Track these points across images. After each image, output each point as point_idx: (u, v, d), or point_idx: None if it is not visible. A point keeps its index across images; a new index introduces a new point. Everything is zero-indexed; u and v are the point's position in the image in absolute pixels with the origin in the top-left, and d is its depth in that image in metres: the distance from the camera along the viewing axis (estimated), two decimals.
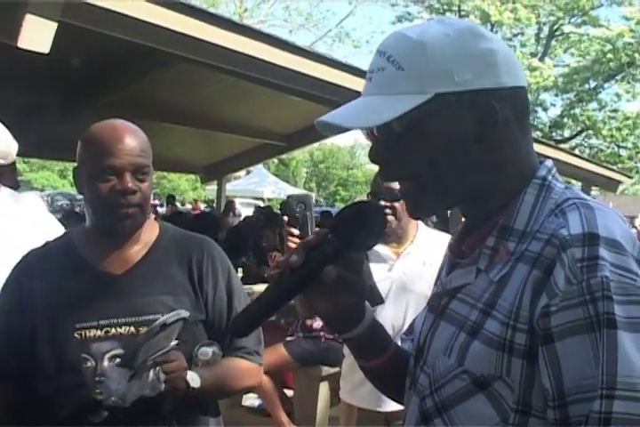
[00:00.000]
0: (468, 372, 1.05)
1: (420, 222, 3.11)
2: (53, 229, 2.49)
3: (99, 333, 1.82)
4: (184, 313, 1.83)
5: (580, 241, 0.97)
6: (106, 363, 1.80)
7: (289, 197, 2.18)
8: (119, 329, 1.83)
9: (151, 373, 1.74)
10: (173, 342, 1.80)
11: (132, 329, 1.84)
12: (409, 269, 3.03)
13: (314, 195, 32.23)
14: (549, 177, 1.14)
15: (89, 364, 1.80)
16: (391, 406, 2.93)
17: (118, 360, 1.81)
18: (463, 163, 1.11)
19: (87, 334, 1.82)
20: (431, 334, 1.19)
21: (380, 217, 1.19)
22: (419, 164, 1.12)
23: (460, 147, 1.10)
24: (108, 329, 1.83)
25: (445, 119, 1.09)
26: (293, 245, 2.16)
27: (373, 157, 1.17)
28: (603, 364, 0.91)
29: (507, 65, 1.11)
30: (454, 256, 1.23)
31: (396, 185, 3.00)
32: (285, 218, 2.16)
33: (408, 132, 1.10)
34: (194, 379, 1.80)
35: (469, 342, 1.06)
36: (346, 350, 3.17)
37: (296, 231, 2.15)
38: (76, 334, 1.81)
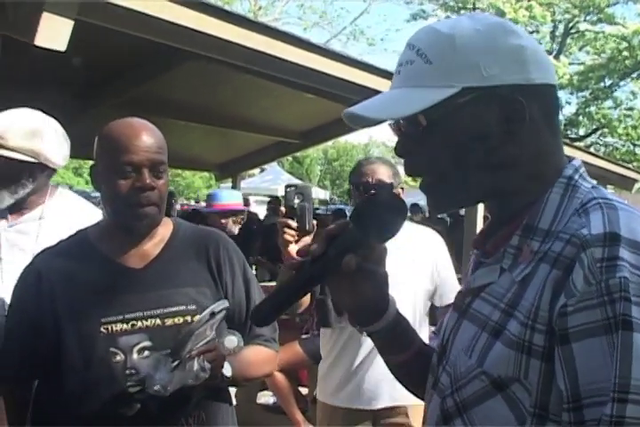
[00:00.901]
0: (487, 373, 1.04)
1: None
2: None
3: (125, 326, 1.85)
4: (226, 303, 1.86)
5: (601, 241, 0.95)
6: (135, 356, 1.83)
7: (287, 186, 2.16)
8: (145, 322, 1.86)
9: (195, 362, 1.75)
10: (214, 332, 1.82)
11: (158, 321, 1.87)
12: (397, 264, 2.92)
13: (328, 192, 32.18)
14: (576, 176, 1.12)
15: (118, 358, 1.83)
16: (380, 403, 2.92)
17: (147, 353, 1.83)
18: (488, 159, 1.10)
19: (114, 328, 1.84)
20: (454, 333, 1.19)
21: (400, 207, 1.17)
22: (443, 158, 1.11)
23: (486, 142, 1.09)
24: (135, 322, 1.86)
25: (472, 114, 1.09)
26: (289, 238, 2.16)
27: (399, 150, 1.17)
28: (616, 366, 0.89)
29: (536, 62, 1.10)
30: (479, 254, 1.22)
31: (385, 177, 2.92)
32: (283, 209, 2.15)
33: (434, 125, 1.10)
34: (227, 368, 1.83)
35: (491, 342, 1.05)
36: (323, 350, 3.14)
37: (293, 223, 2.14)
38: (102, 329, 1.84)
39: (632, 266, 0.93)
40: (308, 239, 2.25)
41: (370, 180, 2.84)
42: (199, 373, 1.75)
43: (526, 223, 1.10)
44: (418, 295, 2.88)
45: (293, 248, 2.19)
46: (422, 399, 1.32)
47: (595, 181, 1.14)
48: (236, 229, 5.49)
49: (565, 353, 0.94)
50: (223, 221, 5.33)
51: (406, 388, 1.45)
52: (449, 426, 1.12)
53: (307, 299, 1.71)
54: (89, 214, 2.50)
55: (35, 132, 2.42)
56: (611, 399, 0.89)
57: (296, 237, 2.17)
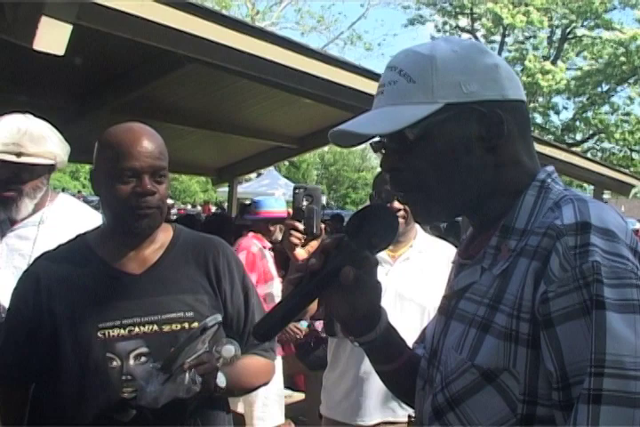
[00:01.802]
0: (477, 366, 1.09)
1: (418, 227, 2.96)
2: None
3: (122, 332, 1.84)
4: (219, 317, 1.85)
5: (573, 230, 1.03)
6: (132, 362, 1.83)
7: (296, 187, 2.11)
8: (142, 328, 1.86)
9: (187, 375, 1.75)
10: (206, 345, 1.81)
11: (156, 327, 1.86)
12: (407, 274, 2.86)
13: (325, 197, 32.14)
14: (548, 180, 1.19)
15: (114, 363, 1.82)
16: (372, 419, 2.86)
17: (144, 359, 1.82)
18: (471, 170, 1.17)
19: (111, 333, 1.84)
20: (443, 335, 1.23)
21: (392, 219, 1.23)
22: (430, 173, 1.17)
23: (469, 155, 1.16)
24: (132, 328, 1.85)
25: (455, 128, 1.15)
26: (296, 240, 2.11)
27: (386, 167, 1.23)
28: (592, 344, 0.96)
29: (509, 79, 1.19)
30: (462, 258, 1.29)
31: None
32: (290, 210, 2.11)
33: (421, 139, 1.15)
34: (221, 379, 1.83)
35: (481, 336, 1.11)
36: (330, 359, 3.06)
37: (300, 226, 2.10)
38: (99, 334, 1.83)
39: (604, 251, 1.00)
40: (315, 244, 2.20)
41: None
42: (190, 386, 1.74)
43: (503, 224, 1.17)
44: (427, 312, 2.72)
45: (300, 251, 2.16)
46: (411, 406, 1.38)
47: (585, 185, 1.18)
48: (280, 237, 5.53)
49: (550, 336, 1.01)
50: (272, 228, 5.36)
51: (396, 395, 1.52)
52: (441, 421, 1.16)
53: (314, 306, 1.69)
54: (89, 219, 2.49)
55: (42, 134, 2.44)
56: (588, 374, 0.96)
57: (302, 241, 2.14)
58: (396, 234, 1.23)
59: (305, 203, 2.06)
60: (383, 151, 1.24)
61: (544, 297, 1.01)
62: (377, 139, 1.25)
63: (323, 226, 2.14)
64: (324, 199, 30.82)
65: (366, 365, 2.74)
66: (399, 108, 1.16)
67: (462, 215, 1.29)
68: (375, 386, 2.81)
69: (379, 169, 2.88)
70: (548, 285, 1.02)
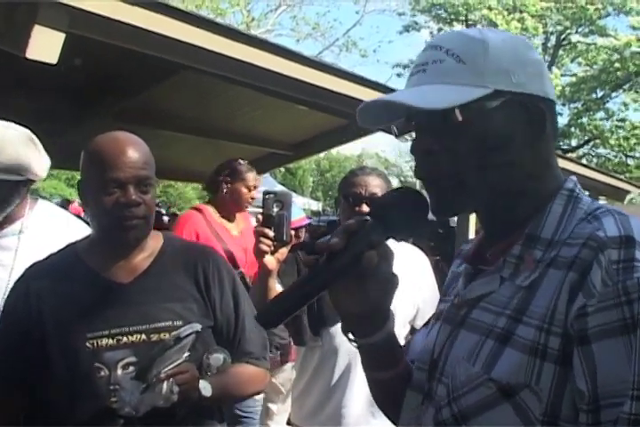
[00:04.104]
0: (494, 380, 1.03)
1: None
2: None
3: (111, 341, 1.84)
4: (197, 326, 1.85)
5: (617, 243, 0.97)
6: (119, 371, 1.82)
7: (265, 193, 2.08)
8: (131, 337, 1.85)
9: (164, 385, 1.75)
10: (185, 354, 1.81)
11: (144, 337, 1.86)
12: None
13: (321, 203, 32.08)
14: (577, 189, 1.15)
15: (102, 373, 1.82)
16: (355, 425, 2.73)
17: (132, 369, 1.82)
18: (509, 163, 1.12)
19: (99, 343, 1.83)
20: (449, 345, 1.17)
21: (424, 203, 1.15)
22: (468, 158, 1.11)
23: (510, 146, 1.11)
24: (120, 338, 1.85)
25: (502, 116, 1.11)
26: (265, 248, 2.09)
27: (419, 148, 1.15)
28: (635, 366, 0.91)
29: (549, 78, 1.17)
30: (473, 266, 1.22)
31: (378, 190, 2.66)
32: (260, 216, 2.08)
33: (468, 123, 1.10)
34: (205, 388, 1.82)
35: (499, 348, 1.05)
36: (297, 369, 2.92)
37: (270, 232, 2.08)
38: (87, 344, 1.83)
39: None
40: (285, 251, 2.18)
41: (362, 191, 2.64)
42: (168, 395, 1.74)
43: (528, 233, 1.11)
44: (395, 319, 2.57)
45: (269, 259, 2.14)
46: (392, 421, 1.32)
47: (586, 193, 1.17)
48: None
49: (586, 354, 0.95)
50: None
51: (381, 406, 1.42)
52: None
53: None
54: (69, 226, 2.48)
55: (18, 148, 2.35)
56: (629, 397, 0.90)
57: (272, 248, 2.11)
58: (427, 220, 1.15)
59: (275, 209, 2.04)
60: (409, 135, 1.18)
61: (582, 311, 0.96)
62: (402, 121, 1.18)
63: (292, 233, 2.11)
64: (319, 206, 30.76)
65: (336, 374, 2.70)
66: (448, 87, 1.10)
67: (482, 214, 1.21)
68: (350, 395, 2.70)
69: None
70: (587, 298, 0.96)
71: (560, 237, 1.07)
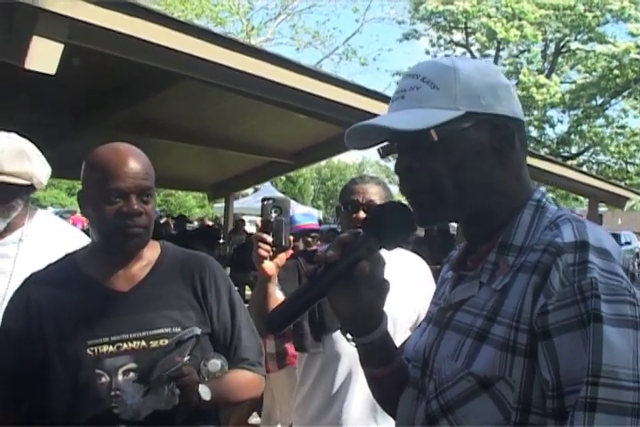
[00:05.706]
0: (474, 374, 1.14)
1: None
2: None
3: (111, 348, 1.86)
4: (197, 330, 1.87)
5: (573, 248, 1.09)
6: (120, 377, 1.84)
7: (264, 199, 2.10)
8: (131, 344, 1.87)
9: (166, 387, 1.77)
10: (186, 358, 1.83)
11: (144, 343, 1.88)
12: None
13: (322, 211, 32.13)
14: (543, 199, 1.26)
15: (103, 379, 1.83)
16: None
17: (132, 375, 1.84)
18: (482, 178, 1.23)
19: (100, 350, 1.85)
20: (437, 345, 1.27)
21: (409, 215, 1.27)
22: (444, 174, 1.22)
23: (483, 162, 1.22)
24: (120, 344, 1.87)
25: (473, 135, 1.21)
26: (264, 253, 2.11)
27: (401, 166, 1.27)
28: (589, 354, 1.01)
29: (517, 101, 1.29)
30: (457, 272, 1.33)
31: (376, 198, 2.71)
32: (259, 222, 2.08)
33: (443, 142, 1.20)
34: (205, 392, 1.83)
35: (477, 346, 1.16)
36: (299, 376, 2.91)
37: (269, 238, 2.09)
38: (88, 351, 1.84)
39: (601, 269, 1.06)
40: (284, 256, 2.20)
41: (360, 199, 2.67)
42: (170, 398, 1.76)
43: (501, 241, 1.22)
44: (398, 325, 2.52)
45: (268, 265, 2.15)
46: (391, 415, 1.42)
47: (580, 198, 1.23)
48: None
49: (548, 347, 1.06)
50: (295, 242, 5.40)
51: (380, 402, 1.52)
52: None
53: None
54: (68, 236, 2.50)
55: (22, 154, 2.43)
56: (585, 383, 1.01)
57: (271, 253, 2.13)
58: (414, 230, 1.28)
59: (274, 215, 2.06)
60: (391, 156, 1.30)
61: (543, 309, 1.07)
62: (386, 143, 1.30)
63: (291, 238, 2.12)
64: (320, 214, 30.81)
65: (339, 380, 2.71)
66: (424, 110, 1.21)
67: (462, 224, 1.33)
68: (353, 400, 2.69)
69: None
70: (547, 298, 1.07)
71: (529, 243, 1.19)
